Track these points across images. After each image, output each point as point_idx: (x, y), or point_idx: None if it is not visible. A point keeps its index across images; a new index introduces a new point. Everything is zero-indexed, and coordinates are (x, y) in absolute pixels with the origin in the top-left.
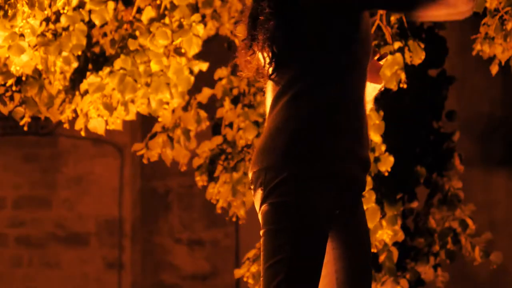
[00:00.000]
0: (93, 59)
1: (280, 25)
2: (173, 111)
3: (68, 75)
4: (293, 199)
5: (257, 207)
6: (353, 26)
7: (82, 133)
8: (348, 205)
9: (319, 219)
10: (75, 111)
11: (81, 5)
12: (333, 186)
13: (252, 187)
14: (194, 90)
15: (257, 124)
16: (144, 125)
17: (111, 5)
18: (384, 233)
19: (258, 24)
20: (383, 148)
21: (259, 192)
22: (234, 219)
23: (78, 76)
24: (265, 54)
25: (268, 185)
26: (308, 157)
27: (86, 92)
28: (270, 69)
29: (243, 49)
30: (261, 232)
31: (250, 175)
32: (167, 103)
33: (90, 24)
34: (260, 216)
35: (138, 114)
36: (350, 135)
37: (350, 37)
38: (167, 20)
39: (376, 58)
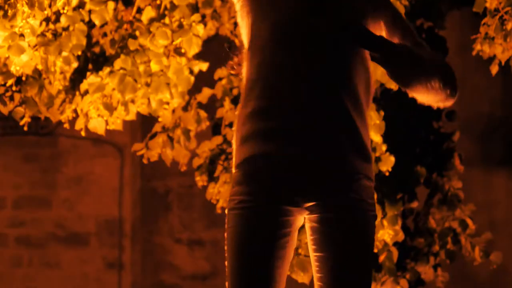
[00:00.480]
0: (93, 59)
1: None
2: (173, 111)
3: (68, 75)
4: (230, 202)
5: None
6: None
7: (82, 133)
8: (306, 191)
9: (257, 211)
10: (75, 111)
11: (81, 5)
12: (264, 173)
13: None
14: (194, 90)
15: None
16: (144, 125)
17: (111, 5)
18: (385, 233)
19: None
20: (384, 148)
21: None
22: None
23: (78, 76)
24: None
25: None
26: (236, 152)
27: (86, 92)
28: None
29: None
30: None
31: None
32: (167, 103)
33: (90, 24)
34: None
35: (138, 114)
36: (271, 117)
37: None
38: (167, 20)
39: None
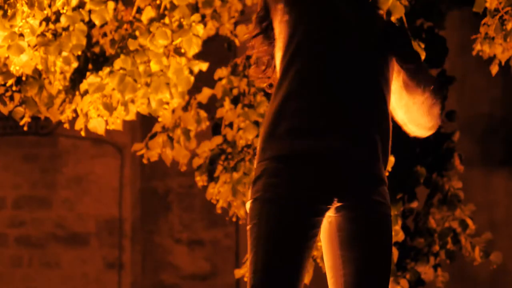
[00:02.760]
0: (93, 59)
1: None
2: (173, 111)
3: (68, 75)
4: (263, 193)
5: None
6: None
7: (82, 133)
8: (345, 190)
9: (295, 209)
10: (75, 111)
11: (81, 5)
12: (310, 169)
13: None
14: (194, 90)
15: (257, 124)
16: (144, 125)
17: (111, 5)
18: None
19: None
20: None
21: None
22: (234, 219)
23: (78, 76)
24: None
25: (251, 184)
26: (273, 144)
27: (86, 92)
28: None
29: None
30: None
31: None
32: (167, 103)
33: (90, 24)
34: None
35: (138, 114)
36: (321, 114)
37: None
38: (167, 20)
39: None
